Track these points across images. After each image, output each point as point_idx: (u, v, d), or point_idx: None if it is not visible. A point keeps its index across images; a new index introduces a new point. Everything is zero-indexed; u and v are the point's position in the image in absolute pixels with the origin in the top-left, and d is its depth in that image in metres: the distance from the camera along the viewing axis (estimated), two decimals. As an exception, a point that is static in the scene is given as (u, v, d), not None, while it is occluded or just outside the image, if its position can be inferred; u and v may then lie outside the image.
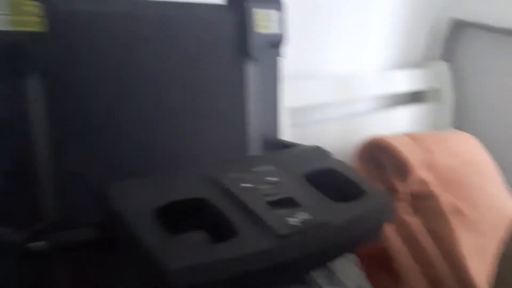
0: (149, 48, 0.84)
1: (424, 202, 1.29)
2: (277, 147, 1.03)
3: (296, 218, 0.63)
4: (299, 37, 1.15)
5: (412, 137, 1.40)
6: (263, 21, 0.96)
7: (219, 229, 0.60)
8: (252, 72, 0.96)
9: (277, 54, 1.00)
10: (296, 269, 0.65)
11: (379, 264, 1.34)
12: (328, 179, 0.76)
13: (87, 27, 0.77)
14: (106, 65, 0.79)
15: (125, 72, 0.81)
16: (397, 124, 1.76)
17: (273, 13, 0.97)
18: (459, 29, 1.87)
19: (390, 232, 1.28)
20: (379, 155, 1.35)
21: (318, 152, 0.85)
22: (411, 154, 1.32)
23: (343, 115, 1.67)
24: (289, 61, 1.05)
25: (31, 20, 0.70)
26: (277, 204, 0.65)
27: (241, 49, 0.93)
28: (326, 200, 0.70)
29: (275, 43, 0.99)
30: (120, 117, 0.80)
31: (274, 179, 0.72)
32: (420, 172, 1.30)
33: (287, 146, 1.03)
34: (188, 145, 0.89)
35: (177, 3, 0.90)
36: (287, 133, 1.20)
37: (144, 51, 0.83)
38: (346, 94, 1.60)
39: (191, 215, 0.63)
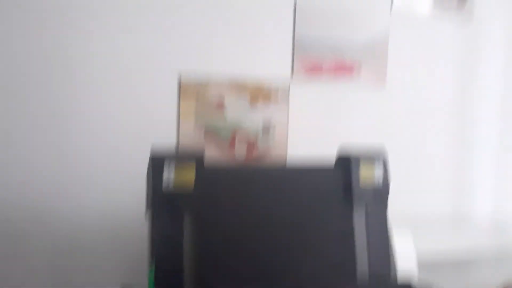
0: (277, 199, 1.12)
1: None
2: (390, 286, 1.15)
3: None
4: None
5: None
6: (368, 176, 1.17)
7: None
8: (359, 219, 1.16)
9: (383, 203, 1.19)
10: None
11: None
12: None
13: (227, 183, 1.10)
14: (240, 210, 1.09)
15: (254, 216, 1.10)
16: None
17: (377, 168, 1.19)
18: None
19: None
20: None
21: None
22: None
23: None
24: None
25: (188, 180, 1.06)
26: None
27: (348, 200, 1.16)
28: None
29: (380, 194, 1.18)
30: (248, 246, 1.07)
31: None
32: None
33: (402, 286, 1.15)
34: (302, 279, 1.10)
35: (297, 169, 1.20)
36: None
37: (273, 202, 1.12)
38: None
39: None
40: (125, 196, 1.36)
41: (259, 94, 1.54)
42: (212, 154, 1.47)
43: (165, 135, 1.42)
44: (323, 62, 1.59)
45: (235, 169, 1.19)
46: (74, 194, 1.35)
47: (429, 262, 1.37)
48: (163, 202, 1.05)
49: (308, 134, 1.60)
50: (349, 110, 1.64)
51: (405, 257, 1.35)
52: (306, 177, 1.18)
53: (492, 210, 1.81)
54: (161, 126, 1.42)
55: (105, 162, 1.37)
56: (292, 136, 1.57)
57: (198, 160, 1.09)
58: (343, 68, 1.62)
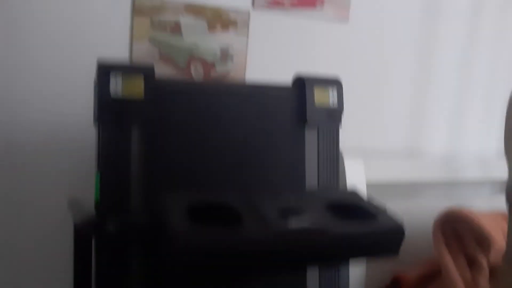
0: (230, 115, 1.10)
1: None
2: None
3: (297, 224, 0.77)
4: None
5: (487, 214, 1.41)
6: (322, 97, 1.17)
7: (231, 223, 0.77)
8: (311, 136, 1.16)
9: (335, 124, 1.19)
10: (287, 265, 0.77)
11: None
12: (347, 207, 0.88)
13: (179, 97, 1.07)
14: (191, 124, 1.06)
15: (206, 130, 1.08)
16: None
17: (331, 89, 1.18)
18: None
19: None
20: (459, 226, 1.36)
21: (352, 192, 0.98)
22: (491, 229, 1.31)
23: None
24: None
25: (137, 91, 1.03)
26: (286, 213, 0.81)
27: (302, 119, 1.15)
28: (332, 219, 0.82)
29: (333, 114, 1.18)
30: (198, 160, 1.05)
31: (296, 201, 0.87)
32: (501, 245, 1.27)
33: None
34: (252, 188, 1.09)
35: (253, 86, 1.18)
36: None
37: (226, 117, 1.10)
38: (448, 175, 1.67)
39: (218, 216, 0.82)
40: (75, 106, 1.33)
41: (218, 20, 1.50)
42: (165, 73, 1.44)
43: (117, 56, 1.38)
44: (285, -9, 1.56)
45: (188, 84, 1.17)
46: (17, 105, 1.30)
47: (379, 186, 1.39)
48: (110, 112, 1.02)
49: (267, 64, 1.57)
50: (311, 42, 1.62)
51: (354, 180, 1.37)
52: (261, 95, 1.16)
53: (446, 147, 1.85)
54: (114, 47, 1.37)
55: (50, 81, 1.32)
56: (251, 65, 1.55)
57: (147, 72, 1.06)
58: (305, 0, 1.60)
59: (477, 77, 1.89)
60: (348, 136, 1.34)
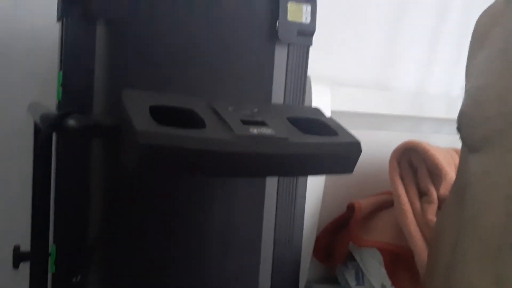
0: (202, 22, 1.07)
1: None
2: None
3: (259, 131, 0.78)
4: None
5: (443, 149, 1.46)
6: (295, 12, 1.15)
7: (195, 127, 0.78)
8: (281, 53, 1.14)
9: (306, 42, 1.18)
10: (248, 171, 0.79)
11: (402, 263, 1.37)
12: (308, 123, 0.90)
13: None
14: (154, 20, 1.02)
15: (175, 34, 1.04)
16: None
17: (305, 5, 1.16)
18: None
19: (415, 232, 1.32)
20: (414, 158, 1.41)
21: (315, 109, 0.99)
22: (445, 162, 1.36)
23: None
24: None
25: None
26: (248, 123, 0.81)
27: (273, 33, 1.13)
28: (294, 130, 0.83)
29: (305, 32, 1.16)
30: (164, 61, 1.02)
31: (259, 112, 0.88)
32: (453, 178, 1.33)
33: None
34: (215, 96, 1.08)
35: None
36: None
37: (197, 23, 1.06)
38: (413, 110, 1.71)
39: (181, 120, 0.82)
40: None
41: None
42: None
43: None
44: None
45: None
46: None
47: (344, 114, 1.41)
48: (75, 6, 0.98)
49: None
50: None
51: (320, 106, 1.38)
52: (234, 4, 1.13)
53: (415, 84, 1.88)
54: None
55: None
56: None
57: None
58: None
59: (452, 19, 1.90)
60: (317, 65, 1.33)
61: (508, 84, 0.78)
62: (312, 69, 1.21)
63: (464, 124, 0.89)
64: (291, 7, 1.15)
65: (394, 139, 1.51)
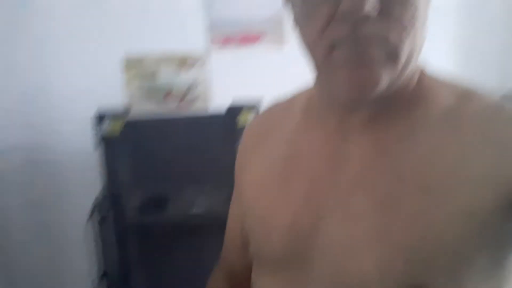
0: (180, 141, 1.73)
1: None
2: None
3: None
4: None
5: None
6: (245, 120, 1.77)
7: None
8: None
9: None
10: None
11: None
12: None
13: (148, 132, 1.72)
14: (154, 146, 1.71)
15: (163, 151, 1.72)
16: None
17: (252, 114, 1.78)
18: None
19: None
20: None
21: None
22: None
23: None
24: None
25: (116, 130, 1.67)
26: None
27: (231, 142, 1.76)
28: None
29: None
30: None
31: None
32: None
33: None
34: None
35: (193, 116, 1.79)
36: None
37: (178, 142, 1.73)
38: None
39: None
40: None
41: (185, 62, 2.11)
42: (150, 108, 2.08)
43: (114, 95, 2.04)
44: (234, 35, 2.15)
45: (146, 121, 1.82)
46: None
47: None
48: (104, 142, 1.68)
49: (226, 88, 2.17)
50: (255, 69, 2.19)
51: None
52: (199, 124, 1.78)
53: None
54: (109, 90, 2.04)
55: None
56: (214, 90, 2.16)
57: (123, 116, 1.70)
58: (249, 38, 2.17)
59: None
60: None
61: None
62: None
63: None
64: (242, 117, 1.77)
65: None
